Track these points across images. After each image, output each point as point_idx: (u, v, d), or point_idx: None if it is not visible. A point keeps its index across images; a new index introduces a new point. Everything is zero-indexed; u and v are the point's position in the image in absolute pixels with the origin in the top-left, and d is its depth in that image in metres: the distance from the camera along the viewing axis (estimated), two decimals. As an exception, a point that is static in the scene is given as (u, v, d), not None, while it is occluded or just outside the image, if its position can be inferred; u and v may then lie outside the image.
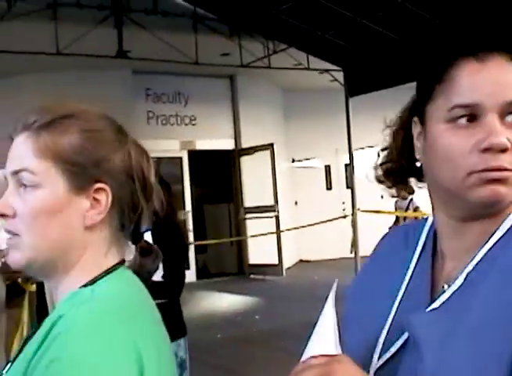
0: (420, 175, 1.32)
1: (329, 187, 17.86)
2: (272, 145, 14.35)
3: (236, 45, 12.79)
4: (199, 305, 11.36)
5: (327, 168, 17.77)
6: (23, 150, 1.25)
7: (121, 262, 1.32)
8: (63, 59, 11.28)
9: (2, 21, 9.97)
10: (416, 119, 1.27)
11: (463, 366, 1.04)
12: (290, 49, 12.62)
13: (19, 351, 1.22)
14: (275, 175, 14.39)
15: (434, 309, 1.15)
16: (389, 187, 1.41)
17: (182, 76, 14.32)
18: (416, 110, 1.26)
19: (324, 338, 1.09)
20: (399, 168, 1.36)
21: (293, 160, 17.39)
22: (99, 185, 1.26)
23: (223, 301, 11.94)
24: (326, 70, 13.64)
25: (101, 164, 1.26)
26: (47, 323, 1.17)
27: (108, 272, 1.27)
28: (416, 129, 1.27)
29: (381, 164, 1.39)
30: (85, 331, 1.11)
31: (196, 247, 14.51)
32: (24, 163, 1.24)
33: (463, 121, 1.14)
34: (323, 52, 12.54)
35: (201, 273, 14.88)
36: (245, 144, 15.25)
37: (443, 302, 1.15)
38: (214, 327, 9.46)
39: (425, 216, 1.40)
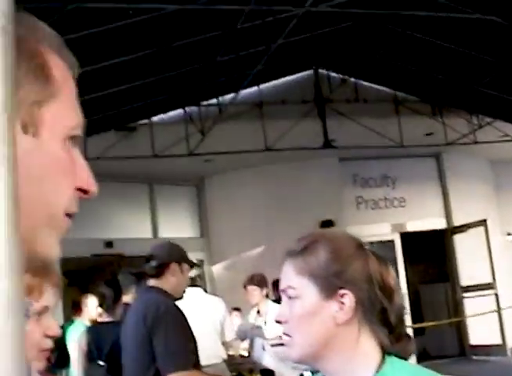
0: None
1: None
2: (485, 221, 13.95)
3: (440, 123, 12.79)
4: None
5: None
6: (288, 272, 1.61)
7: (383, 349, 1.58)
8: (271, 154, 11.87)
9: (215, 124, 10.74)
10: None
11: None
12: (495, 122, 12.40)
13: None
14: (490, 250, 13.91)
15: None
16: None
17: (388, 159, 14.43)
18: None
19: None
20: None
21: (509, 234, 16.72)
22: (342, 291, 1.54)
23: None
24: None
25: (343, 274, 1.55)
26: None
27: (383, 358, 1.55)
28: None
29: None
30: None
31: (415, 330, 14.23)
32: (288, 281, 1.60)
33: None
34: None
35: (421, 356, 14.50)
36: (457, 222, 14.94)
37: None
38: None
39: None
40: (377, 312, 1.56)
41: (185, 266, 4.07)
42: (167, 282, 3.97)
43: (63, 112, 0.82)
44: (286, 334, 1.60)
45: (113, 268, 15.33)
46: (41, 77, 0.81)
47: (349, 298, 1.53)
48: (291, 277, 1.59)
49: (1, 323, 0.54)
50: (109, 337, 5.24)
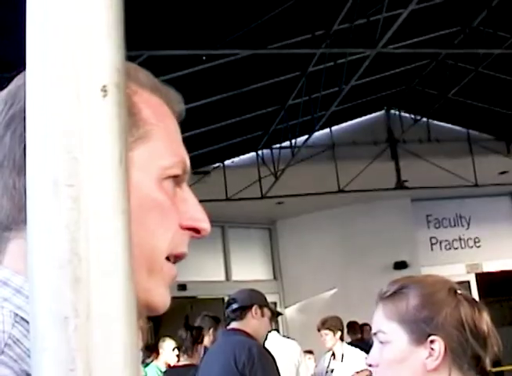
0: None
1: None
2: None
3: (515, 161, 12.56)
4: None
5: None
6: (378, 316, 1.61)
7: None
8: (344, 196, 11.83)
9: (288, 167, 10.78)
10: None
11: None
12: None
13: None
14: None
15: None
16: None
17: (462, 199, 14.22)
18: None
19: None
20: None
21: None
22: (432, 337, 1.53)
23: None
24: None
25: (433, 320, 1.54)
26: None
27: None
28: None
29: None
30: None
31: (493, 374, 13.80)
32: (379, 326, 1.60)
33: None
34: None
35: (502, 402, 14.06)
36: (534, 262, 14.54)
37: None
38: None
39: None
40: (469, 359, 1.54)
41: (266, 311, 4.08)
42: (249, 325, 3.97)
43: (157, 152, 0.79)
44: None
45: (187, 311, 15.45)
46: (128, 121, 0.75)
47: (439, 345, 1.52)
48: (382, 321, 1.60)
49: (119, 372, 0.54)
50: None
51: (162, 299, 0.79)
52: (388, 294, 1.61)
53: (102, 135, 0.57)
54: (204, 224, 0.82)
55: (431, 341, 1.52)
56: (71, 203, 0.55)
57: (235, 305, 4.03)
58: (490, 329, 1.58)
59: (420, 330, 1.53)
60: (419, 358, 1.53)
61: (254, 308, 4.00)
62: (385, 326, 1.58)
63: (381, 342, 1.59)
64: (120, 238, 0.57)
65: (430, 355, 1.52)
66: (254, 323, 3.99)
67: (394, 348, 1.55)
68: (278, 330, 6.64)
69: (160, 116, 0.83)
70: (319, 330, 7.63)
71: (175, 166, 0.81)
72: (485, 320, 1.59)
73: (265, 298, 4.19)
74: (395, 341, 1.56)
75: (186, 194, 0.83)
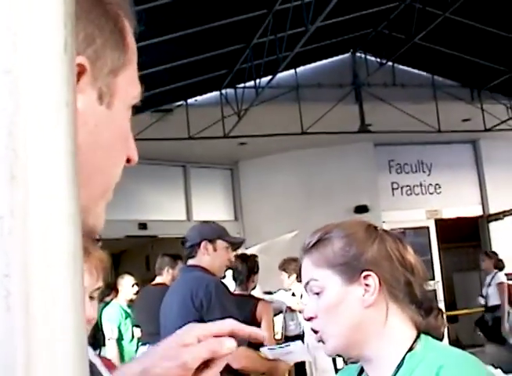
0: None
1: None
2: (522, 208, 13.79)
3: (478, 109, 12.61)
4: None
5: None
6: (307, 266, 1.63)
7: (417, 327, 1.58)
8: (307, 138, 11.81)
9: (251, 107, 10.69)
10: None
11: None
12: (535, 108, 12.21)
13: None
14: (527, 239, 13.75)
15: None
16: None
17: (424, 145, 14.31)
18: None
19: None
20: None
21: (546, 223, 16.51)
22: (365, 273, 1.55)
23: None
24: None
25: (362, 256, 1.56)
26: None
27: (417, 335, 1.55)
28: None
29: None
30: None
31: (448, 318, 14.12)
32: (309, 275, 1.61)
33: None
34: None
35: (453, 344, 14.27)
36: (493, 209, 14.78)
37: None
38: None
39: None
40: (402, 287, 1.56)
41: (220, 243, 4.01)
42: (203, 261, 3.94)
43: (131, 81, 0.79)
44: (315, 330, 1.61)
45: (147, 250, 15.46)
46: (120, 43, 0.77)
47: (373, 279, 1.54)
48: (311, 271, 1.61)
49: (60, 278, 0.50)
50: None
51: (101, 224, 0.79)
52: (312, 244, 1.62)
53: (45, 16, 0.51)
54: (136, 154, 0.83)
55: (365, 277, 1.54)
56: (7, 92, 0.49)
57: (187, 244, 4.01)
58: (415, 259, 1.61)
59: (352, 269, 1.55)
60: (355, 296, 1.54)
61: (202, 244, 3.95)
62: (316, 274, 1.59)
63: (315, 293, 1.59)
64: (63, 133, 0.51)
65: (366, 291, 1.54)
66: (206, 258, 3.95)
67: (329, 294, 1.56)
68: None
69: (133, 43, 0.82)
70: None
71: (138, 96, 0.81)
72: (410, 251, 1.61)
73: (220, 230, 4.11)
74: (329, 286, 1.57)
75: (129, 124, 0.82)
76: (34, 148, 0.49)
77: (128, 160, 0.82)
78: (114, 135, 0.76)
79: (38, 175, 0.50)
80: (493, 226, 14.82)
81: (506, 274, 14.10)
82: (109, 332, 7.73)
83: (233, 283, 5.32)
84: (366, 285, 1.54)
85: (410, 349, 1.52)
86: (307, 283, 1.61)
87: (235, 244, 4.22)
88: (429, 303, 1.61)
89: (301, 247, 1.65)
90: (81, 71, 0.68)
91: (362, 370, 1.63)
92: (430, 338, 1.56)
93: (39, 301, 0.48)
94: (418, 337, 1.55)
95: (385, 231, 1.64)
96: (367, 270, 1.54)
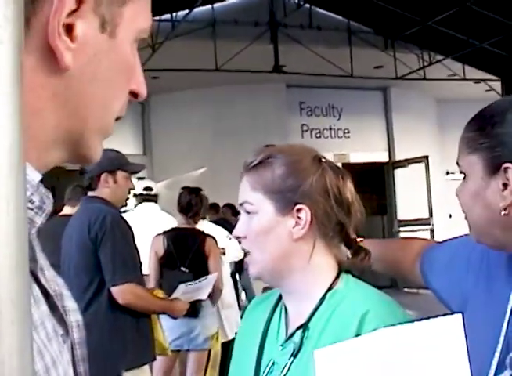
0: None
1: (485, 200, 17.28)
2: (426, 157, 14.16)
3: (391, 57, 12.77)
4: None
5: (484, 181, 17.21)
6: (244, 187, 1.59)
7: (340, 266, 1.59)
8: (221, 75, 11.72)
9: (166, 41, 10.50)
10: None
11: None
12: (445, 60, 12.45)
13: None
14: (429, 187, 14.17)
15: None
16: None
17: (336, 89, 14.44)
18: None
19: None
20: None
21: (448, 173, 17.02)
22: (299, 206, 1.52)
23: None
24: (483, 80, 13.33)
25: (299, 188, 1.52)
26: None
27: (338, 274, 1.57)
28: None
29: None
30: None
31: (349, 260, 14.49)
32: (245, 197, 1.58)
33: None
34: (480, 62, 12.28)
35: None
36: (399, 156, 15.14)
37: None
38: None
39: None
40: (334, 226, 1.55)
41: (120, 174, 3.95)
42: (103, 193, 3.89)
43: (140, 12, 0.74)
44: (245, 250, 1.61)
45: (53, 181, 15.16)
46: None
47: (305, 213, 1.52)
48: (248, 192, 1.57)
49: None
50: None
51: (94, 156, 0.79)
52: (254, 164, 1.57)
53: None
54: (144, 89, 0.80)
55: (298, 210, 1.52)
56: None
57: (87, 176, 3.93)
58: (353, 196, 1.60)
59: (286, 200, 1.52)
60: (285, 227, 1.52)
61: (103, 177, 3.89)
62: (251, 197, 1.56)
63: (248, 213, 1.57)
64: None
65: (297, 224, 1.52)
66: (107, 191, 3.89)
67: (261, 219, 1.54)
68: (156, 202, 6.56)
69: None
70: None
71: (148, 30, 0.77)
72: (349, 188, 1.59)
73: (119, 159, 4.00)
74: (262, 211, 1.54)
75: (137, 58, 0.78)
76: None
77: (136, 96, 0.79)
78: (116, 66, 0.73)
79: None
80: (398, 173, 15.19)
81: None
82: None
83: (181, 215, 5.22)
84: (298, 218, 1.52)
85: (331, 288, 1.54)
86: (241, 204, 1.60)
87: (135, 172, 4.16)
88: (358, 244, 1.62)
89: (243, 165, 1.61)
90: None
91: (280, 298, 1.65)
92: (351, 276, 1.58)
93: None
94: (339, 275, 1.56)
95: (330, 165, 1.61)
96: (301, 203, 1.52)
